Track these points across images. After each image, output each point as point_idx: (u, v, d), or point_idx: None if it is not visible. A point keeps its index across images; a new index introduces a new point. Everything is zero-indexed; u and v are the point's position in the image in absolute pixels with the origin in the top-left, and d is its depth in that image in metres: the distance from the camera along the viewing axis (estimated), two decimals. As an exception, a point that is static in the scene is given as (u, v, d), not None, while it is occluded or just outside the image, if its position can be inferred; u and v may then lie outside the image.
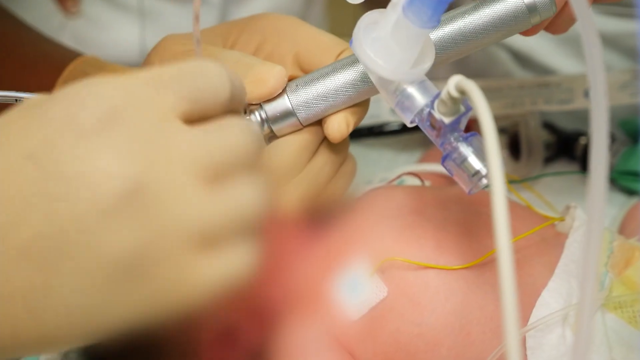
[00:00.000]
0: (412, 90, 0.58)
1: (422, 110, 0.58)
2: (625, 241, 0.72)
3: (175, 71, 0.48)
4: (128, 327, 0.46)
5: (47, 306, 0.44)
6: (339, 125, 0.66)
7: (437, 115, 0.56)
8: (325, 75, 0.66)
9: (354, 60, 0.66)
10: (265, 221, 0.50)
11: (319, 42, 0.69)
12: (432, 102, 0.57)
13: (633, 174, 0.98)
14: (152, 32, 1.07)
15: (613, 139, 1.02)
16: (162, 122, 0.46)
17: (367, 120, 1.03)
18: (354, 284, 0.68)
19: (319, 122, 0.67)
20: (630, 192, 1.00)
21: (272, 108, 0.66)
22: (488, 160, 0.47)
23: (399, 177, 0.86)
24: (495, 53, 1.15)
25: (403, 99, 0.59)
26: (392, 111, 1.03)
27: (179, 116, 0.47)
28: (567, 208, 0.76)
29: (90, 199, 0.43)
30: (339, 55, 0.68)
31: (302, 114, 0.66)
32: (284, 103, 0.66)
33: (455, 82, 0.53)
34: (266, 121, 0.66)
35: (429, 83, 0.59)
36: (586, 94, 0.98)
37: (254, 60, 0.66)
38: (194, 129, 0.47)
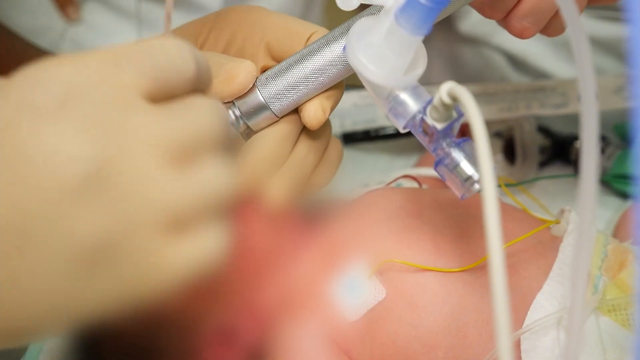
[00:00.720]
0: (404, 96, 0.59)
1: (414, 116, 0.58)
2: (619, 244, 0.73)
3: (135, 48, 0.46)
4: (100, 315, 0.45)
5: (15, 296, 0.42)
6: (314, 112, 0.66)
7: (429, 121, 0.57)
8: (294, 64, 0.66)
9: (320, 46, 0.65)
10: (233, 202, 0.48)
11: (288, 29, 0.68)
12: (425, 108, 0.57)
13: (627, 178, 0.99)
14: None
15: (607, 142, 1.03)
16: (123, 100, 0.44)
17: (363, 125, 1.05)
18: (352, 286, 0.69)
19: (297, 111, 0.67)
20: (624, 196, 1.00)
21: (245, 104, 0.66)
22: (480, 166, 0.47)
23: (396, 179, 0.87)
24: (491, 57, 1.16)
25: (396, 105, 0.59)
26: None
27: (141, 94, 0.45)
28: (562, 211, 0.77)
29: (53, 182, 0.41)
30: (309, 39, 0.67)
31: (275, 106, 0.66)
32: (256, 97, 0.66)
33: (447, 88, 0.54)
34: (241, 117, 0.66)
35: (422, 89, 0.60)
36: (580, 97, 0.99)
37: (223, 59, 0.66)
38: (158, 107, 0.45)
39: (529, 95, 1.01)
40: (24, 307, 0.43)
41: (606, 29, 1.06)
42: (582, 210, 0.46)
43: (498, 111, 1.01)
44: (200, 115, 0.47)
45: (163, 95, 0.46)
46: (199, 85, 0.49)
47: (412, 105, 0.59)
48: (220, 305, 0.66)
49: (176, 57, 0.47)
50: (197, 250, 0.45)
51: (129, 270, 0.44)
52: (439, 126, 0.57)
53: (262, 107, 0.66)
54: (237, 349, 0.67)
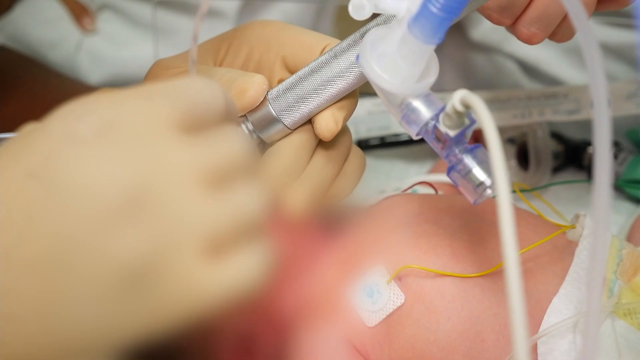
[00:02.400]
0: (417, 104, 0.60)
1: (427, 123, 0.59)
2: (634, 249, 0.74)
3: (167, 84, 0.48)
4: (140, 338, 0.45)
5: (58, 321, 0.43)
6: (326, 123, 0.66)
7: (442, 128, 0.58)
8: (304, 76, 0.67)
9: (329, 58, 0.66)
10: (270, 225, 0.49)
11: (302, 42, 0.69)
12: (437, 115, 0.58)
13: (640, 183, 1.00)
14: (167, 48, 1.09)
15: (620, 148, 1.04)
16: (156, 130, 0.46)
17: (378, 132, 1.06)
18: (372, 291, 0.70)
19: (311, 122, 0.68)
20: (637, 201, 1.01)
21: (257, 118, 0.67)
22: (494, 174, 0.48)
23: (412, 186, 0.88)
24: (503, 64, 1.17)
25: (409, 113, 0.60)
26: (402, 122, 1.05)
27: (173, 125, 0.46)
28: (577, 216, 0.77)
29: (91, 207, 0.43)
30: (322, 51, 0.68)
31: (287, 119, 0.67)
32: (267, 111, 0.67)
33: (459, 96, 0.55)
34: (253, 131, 0.67)
35: (434, 96, 0.60)
36: (593, 104, 0.99)
37: (236, 74, 0.67)
38: (190, 137, 0.47)
39: (542, 101, 1.02)
40: (67, 332, 0.44)
41: (618, 36, 1.07)
42: (596, 215, 0.47)
43: (511, 117, 1.02)
44: (230, 143, 0.48)
45: (194, 127, 0.47)
46: (228, 118, 0.50)
47: (424, 112, 0.59)
48: (240, 313, 0.66)
49: (206, 93, 0.49)
50: (237, 273, 0.46)
51: (167, 293, 0.44)
52: (452, 133, 0.58)
53: (273, 121, 0.67)
54: (257, 356, 0.68)
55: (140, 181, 0.44)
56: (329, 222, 0.72)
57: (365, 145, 1.07)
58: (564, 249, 0.74)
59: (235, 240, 0.46)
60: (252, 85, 0.65)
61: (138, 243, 0.43)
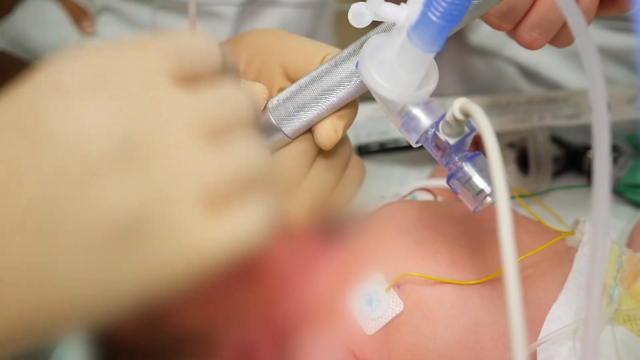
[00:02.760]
0: (417, 111, 0.60)
1: (427, 131, 0.59)
2: (634, 254, 0.74)
3: (159, 35, 0.46)
4: (135, 297, 0.43)
5: (49, 279, 0.41)
6: (326, 132, 0.66)
7: (442, 136, 0.58)
8: (304, 85, 0.66)
9: (329, 67, 0.66)
10: (272, 179, 0.47)
11: (302, 51, 0.69)
12: (437, 123, 0.58)
13: (640, 187, 1.00)
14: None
15: (620, 152, 1.04)
16: (150, 79, 0.43)
17: (378, 137, 1.05)
18: (371, 299, 0.70)
19: (311, 131, 0.68)
20: (638, 205, 1.01)
21: None
22: (492, 180, 0.48)
23: (411, 192, 0.87)
24: (503, 69, 1.17)
25: (408, 120, 0.60)
26: (402, 127, 1.04)
27: (167, 75, 0.44)
28: (576, 222, 0.77)
29: (79, 157, 0.41)
30: (323, 59, 0.68)
31: (287, 128, 0.67)
32: (267, 120, 0.67)
33: (459, 104, 0.55)
34: None
35: (434, 104, 0.60)
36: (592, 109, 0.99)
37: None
38: (186, 87, 0.44)
39: (542, 106, 1.02)
40: (59, 291, 0.41)
41: (618, 40, 1.07)
42: (596, 221, 0.47)
43: (511, 122, 1.01)
44: (229, 96, 0.46)
45: (189, 79, 0.45)
46: (227, 75, 0.48)
47: (424, 120, 0.59)
48: (238, 321, 0.66)
49: (202, 44, 0.47)
50: (238, 228, 0.43)
51: (163, 249, 0.42)
52: (451, 141, 0.58)
53: (273, 129, 0.67)
54: None
55: (131, 130, 0.42)
56: (328, 229, 0.72)
57: (365, 150, 1.07)
58: (564, 255, 0.74)
59: (237, 194, 0.44)
60: (252, 94, 0.65)
61: (129, 195, 0.41)
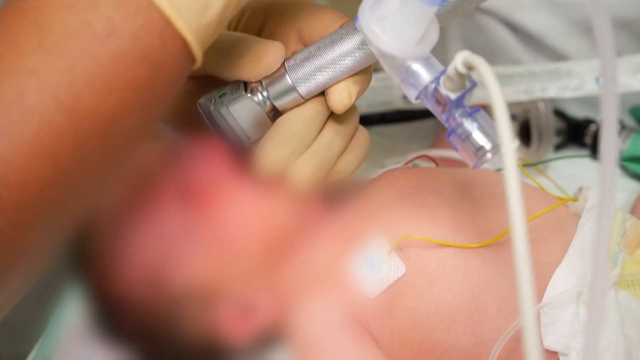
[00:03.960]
0: (417, 67, 0.59)
1: (427, 86, 0.59)
2: (638, 222, 0.73)
3: None
4: None
5: None
6: (340, 96, 0.66)
7: (443, 91, 0.57)
8: (323, 47, 0.66)
9: (350, 31, 0.66)
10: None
11: (320, 16, 0.69)
12: (438, 78, 0.58)
13: (643, 160, 0.99)
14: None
15: (623, 125, 1.03)
16: None
17: (379, 107, 1.05)
18: (372, 262, 0.69)
19: (324, 94, 0.68)
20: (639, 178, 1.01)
21: (272, 84, 0.67)
22: (499, 132, 0.48)
23: (412, 160, 0.87)
24: (504, 39, 1.15)
25: (408, 76, 0.59)
26: (404, 98, 1.04)
27: None
28: (580, 190, 0.77)
29: None
30: (340, 27, 0.68)
31: (302, 88, 0.67)
32: (283, 79, 0.67)
33: (462, 57, 0.54)
34: (268, 98, 0.67)
35: (434, 59, 0.60)
36: (597, 80, 0.99)
37: (253, 39, 0.67)
38: None
39: (545, 77, 1.01)
40: None
41: (625, 8, 1.05)
42: (603, 182, 0.46)
43: (513, 94, 1.01)
44: None
45: None
46: None
47: (424, 75, 0.59)
48: (241, 281, 0.66)
49: None
50: None
51: None
52: (453, 96, 0.57)
53: (289, 89, 0.67)
54: (254, 324, 0.68)
55: None
56: (331, 195, 0.71)
57: (366, 121, 1.06)
58: (567, 221, 0.73)
59: None
60: (271, 51, 0.65)
61: None
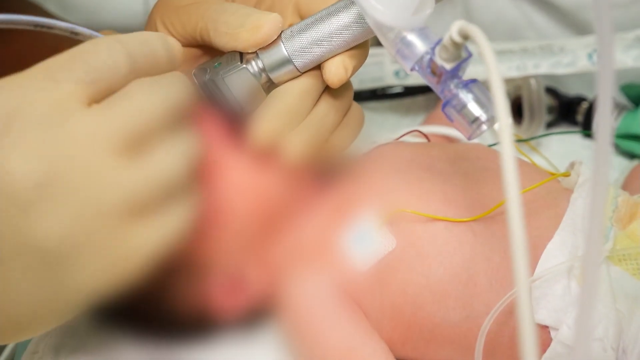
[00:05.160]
0: (412, 37, 0.58)
1: (422, 57, 0.58)
2: (630, 197, 0.73)
3: (67, 57, 0.50)
4: (84, 299, 0.49)
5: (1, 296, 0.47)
6: (336, 69, 0.66)
7: (438, 61, 0.57)
8: (320, 20, 0.66)
9: (347, 4, 0.65)
10: (195, 176, 0.51)
11: None
12: (434, 48, 0.57)
13: (634, 137, 0.99)
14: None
15: (614, 103, 1.03)
16: (62, 110, 0.47)
17: (370, 84, 1.04)
18: (363, 236, 0.69)
19: (319, 68, 0.67)
20: (631, 156, 1.00)
21: (268, 56, 0.66)
22: (493, 97, 0.47)
23: (404, 135, 0.86)
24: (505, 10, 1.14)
25: (403, 47, 0.59)
26: (396, 74, 1.03)
27: (79, 100, 0.48)
28: (572, 164, 0.77)
29: (7, 196, 0.45)
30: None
31: (298, 61, 0.66)
32: (279, 50, 0.66)
33: (458, 27, 0.53)
34: (263, 70, 0.67)
35: (429, 30, 0.59)
36: (589, 56, 0.98)
37: (251, 10, 0.66)
38: (97, 106, 0.48)
39: (537, 53, 1.00)
40: (9, 303, 0.48)
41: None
42: (597, 155, 0.46)
43: (505, 70, 1.00)
44: (140, 101, 0.50)
45: (102, 93, 0.49)
46: (139, 73, 0.52)
47: (419, 46, 0.58)
48: (232, 253, 0.66)
49: (106, 56, 0.50)
50: (160, 231, 0.49)
51: (98, 263, 0.48)
52: (448, 66, 0.56)
53: (285, 61, 0.66)
54: (245, 297, 0.67)
55: (51, 164, 0.46)
56: (323, 170, 0.71)
57: (357, 97, 1.05)
58: (559, 196, 0.73)
59: (158, 200, 0.49)
60: (268, 22, 0.65)
61: (55, 224, 0.46)
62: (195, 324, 0.67)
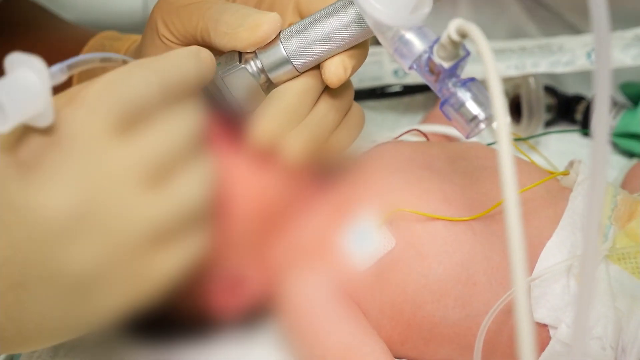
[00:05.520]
0: (410, 36, 0.58)
1: (420, 55, 0.58)
2: (629, 195, 0.73)
3: (102, 86, 0.51)
4: (103, 320, 0.52)
5: (22, 316, 0.49)
6: (335, 69, 0.66)
7: (436, 60, 0.57)
8: (318, 19, 0.66)
9: (346, 4, 0.65)
10: (211, 204, 0.54)
11: None
12: (432, 47, 0.57)
13: (633, 136, 0.99)
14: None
15: (613, 102, 1.03)
16: (96, 143, 0.50)
17: (369, 82, 1.04)
18: (363, 235, 0.69)
19: (319, 68, 0.67)
20: (630, 155, 1.00)
21: (267, 56, 0.66)
22: (491, 96, 0.47)
23: (403, 134, 0.86)
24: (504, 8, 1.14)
25: (401, 46, 0.59)
26: (394, 73, 1.03)
27: (113, 132, 0.50)
28: (571, 163, 0.77)
29: (40, 228, 0.48)
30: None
31: (297, 61, 0.66)
32: (278, 50, 0.66)
33: (456, 25, 0.53)
34: (262, 70, 0.67)
35: (427, 29, 0.59)
36: (588, 55, 0.98)
37: (251, 10, 0.66)
38: (127, 138, 0.50)
39: (536, 52, 1.00)
40: (31, 324, 0.50)
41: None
42: (595, 153, 0.46)
43: (504, 69, 1.00)
44: (166, 132, 0.52)
45: (133, 122, 0.51)
46: (170, 97, 0.54)
47: (418, 45, 0.58)
48: (232, 252, 0.66)
49: (141, 89, 0.52)
50: (179, 257, 0.52)
51: (122, 288, 0.51)
52: (446, 65, 0.56)
53: (283, 61, 0.66)
54: (244, 297, 0.67)
55: (83, 198, 0.48)
56: (322, 169, 0.71)
57: (356, 96, 1.05)
58: (557, 194, 0.73)
59: (179, 228, 0.52)
60: (266, 21, 0.65)
61: (86, 254, 0.49)
62: (195, 322, 0.67)
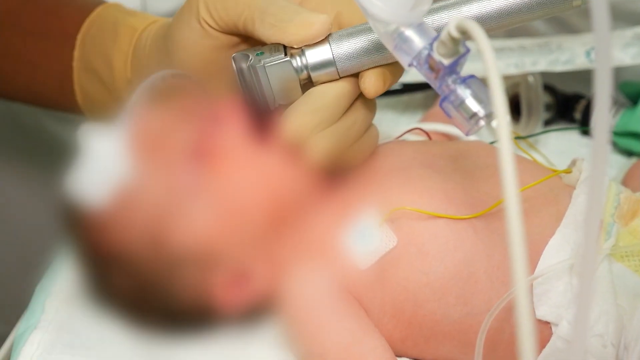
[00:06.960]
0: (410, 33, 0.58)
1: (420, 52, 0.58)
2: (632, 194, 0.73)
3: None
4: None
5: None
6: (376, 80, 0.66)
7: (436, 57, 0.56)
8: (370, 29, 0.66)
9: None
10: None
11: None
12: (431, 44, 0.57)
13: (633, 135, 0.99)
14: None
15: (613, 100, 1.03)
16: None
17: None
18: (364, 233, 0.68)
19: (356, 76, 0.68)
20: (629, 154, 1.01)
21: (313, 55, 0.67)
22: (491, 93, 0.47)
23: (404, 134, 0.86)
24: None
25: (401, 43, 0.59)
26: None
27: None
28: (574, 161, 0.76)
29: None
30: None
31: (341, 65, 0.67)
32: (325, 51, 0.67)
33: (456, 22, 0.53)
34: (306, 67, 0.67)
35: (427, 26, 0.59)
36: (587, 54, 0.98)
37: (302, 8, 0.67)
38: None
39: (535, 51, 1.00)
40: None
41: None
42: (595, 152, 0.45)
43: (504, 67, 1.00)
44: None
45: None
46: None
47: (417, 42, 0.58)
48: (239, 245, 0.65)
49: None
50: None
51: None
52: (446, 62, 0.56)
53: (328, 63, 0.67)
54: (247, 292, 0.67)
55: None
56: (332, 172, 0.71)
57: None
58: (560, 193, 0.73)
59: None
60: (319, 22, 0.65)
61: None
62: (196, 317, 0.67)
